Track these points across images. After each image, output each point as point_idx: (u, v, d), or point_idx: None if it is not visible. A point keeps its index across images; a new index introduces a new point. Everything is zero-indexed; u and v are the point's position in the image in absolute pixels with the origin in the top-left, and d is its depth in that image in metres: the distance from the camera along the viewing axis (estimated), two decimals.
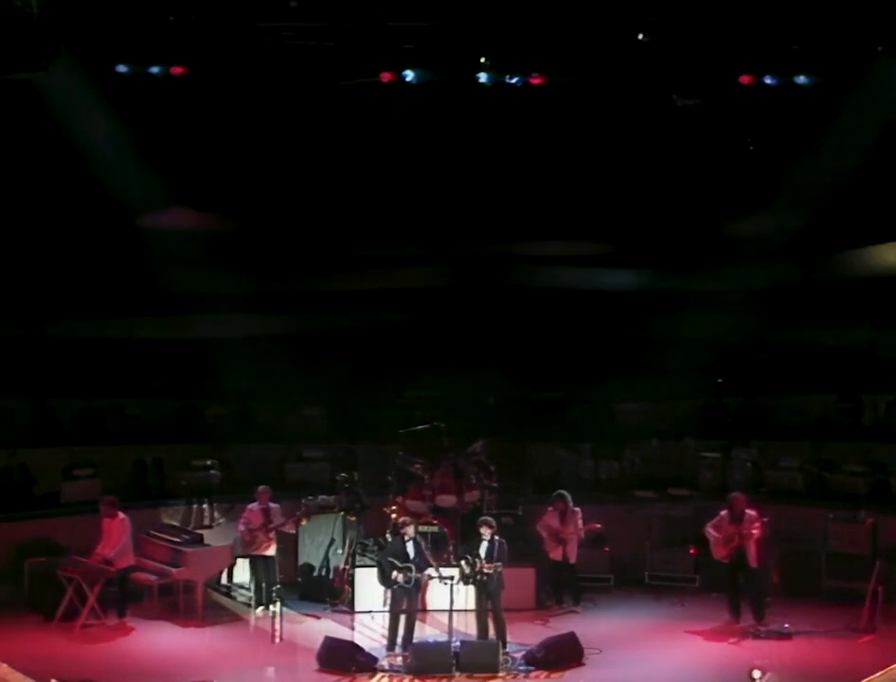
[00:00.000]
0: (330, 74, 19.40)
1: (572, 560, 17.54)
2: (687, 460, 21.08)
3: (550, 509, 17.66)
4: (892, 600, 16.43)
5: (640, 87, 19.73)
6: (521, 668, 14.84)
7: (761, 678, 12.84)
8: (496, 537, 15.62)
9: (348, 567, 17.69)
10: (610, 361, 22.21)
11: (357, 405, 22.26)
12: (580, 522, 17.48)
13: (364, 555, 17.86)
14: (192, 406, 22.39)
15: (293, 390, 22.25)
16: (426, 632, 16.27)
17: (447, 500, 18.19)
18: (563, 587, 17.73)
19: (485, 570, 15.35)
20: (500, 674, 14.66)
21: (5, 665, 13.33)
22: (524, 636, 15.77)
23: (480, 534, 15.62)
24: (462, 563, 15.50)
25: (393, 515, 17.62)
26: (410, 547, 15.58)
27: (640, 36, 18.33)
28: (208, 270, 22.23)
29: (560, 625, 16.21)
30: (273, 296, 23.21)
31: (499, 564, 15.42)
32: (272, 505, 17.70)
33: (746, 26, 18.20)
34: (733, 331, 22.11)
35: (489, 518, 15.99)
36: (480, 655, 14.78)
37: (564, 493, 17.69)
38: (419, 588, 15.85)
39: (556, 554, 17.54)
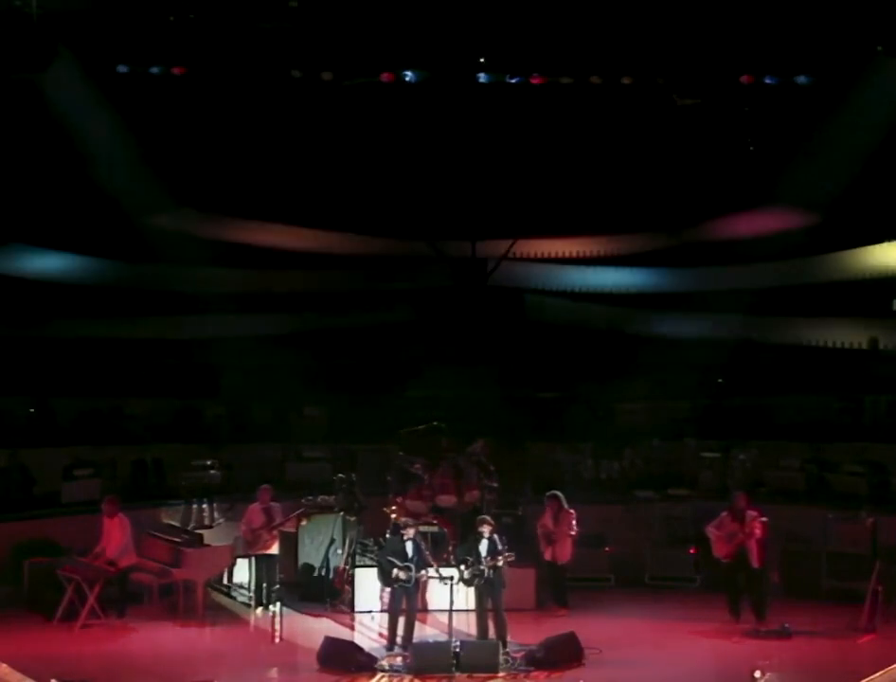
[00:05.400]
0: (329, 74, 19.45)
1: (559, 561, 17.31)
2: (687, 460, 21.08)
3: (547, 509, 17.59)
4: (892, 600, 16.39)
5: (640, 87, 19.76)
6: (521, 668, 14.81)
7: (761, 678, 12.86)
8: (494, 535, 15.60)
9: (348, 567, 17.68)
10: (610, 361, 22.22)
11: (357, 405, 22.26)
12: (572, 523, 17.35)
13: (364, 555, 17.85)
14: (192, 406, 22.40)
15: (293, 390, 22.26)
16: (426, 632, 16.24)
17: (447, 500, 18.17)
18: (551, 588, 17.63)
19: (498, 563, 15.31)
20: (500, 674, 14.64)
21: (5, 665, 13.34)
22: (524, 636, 15.73)
23: (480, 533, 15.56)
24: (462, 566, 15.44)
25: (393, 515, 17.61)
26: (409, 547, 15.56)
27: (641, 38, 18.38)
28: (207, 270, 22.31)
29: (560, 625, 16.17)
30: (273, 296, 23.26)
31: (511, 554, 15.38)
32: (273, 504, 17.67)
33: (746, 26, 18.23)
34: (733, 331, 22.14)
35: (487, 516, 15.95)
36: (480, 655, 14.74)
37: (557, 493, 17.51)
38: (418, 588, 15.84)
39: (547, 555, 17.38)
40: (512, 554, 15.44)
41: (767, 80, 19.37)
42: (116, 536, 16.71)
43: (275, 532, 17.57)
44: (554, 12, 18.11)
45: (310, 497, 18.58)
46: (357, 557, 17.69)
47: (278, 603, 16.90)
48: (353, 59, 19.22)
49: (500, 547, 15.41)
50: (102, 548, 16.72)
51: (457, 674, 14.46)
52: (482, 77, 19.48)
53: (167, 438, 21.38)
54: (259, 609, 17.36)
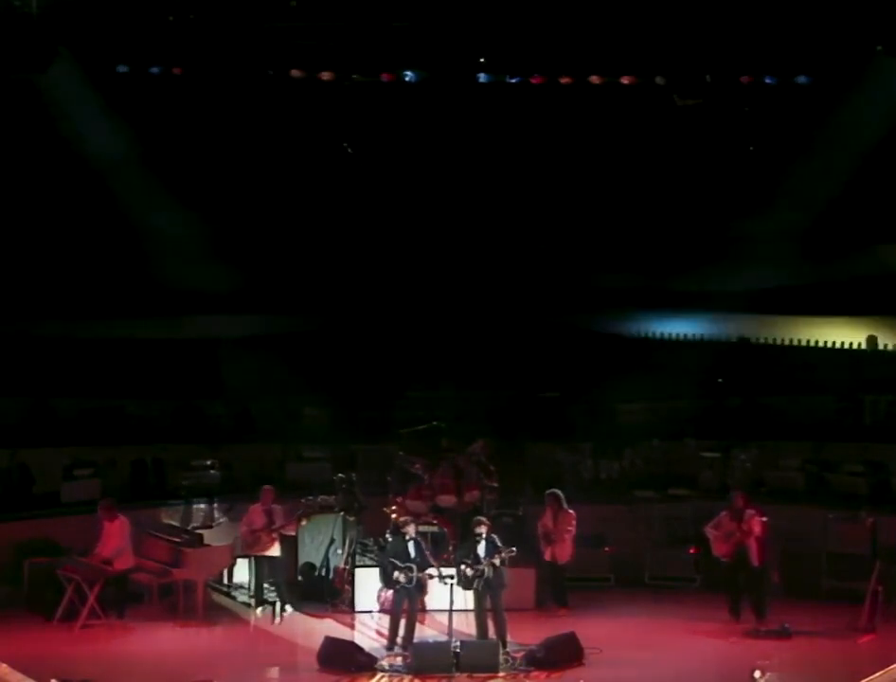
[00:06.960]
0: (329, 74, 19.45)
1: (559, 561, 17.30)
2: (687, 460, 21.07)
3: (547, 509, 17.58)
4: (892, 600, 16.40)
5: (640, 87, 19.77)
6: (521, 668, 14.80)
7: (761, 678, 12.87)
8: (492, 534, 15.60)
9: (348, 567, 17.68)
10: (610, 361, 22.21)
11: (357, 405, 22.25)
12: (572, 522, 17.31)
13: (364, 555, 17.86)
14: (192, 406, 22.39)
15: (293, 390, 22.25)
16: (426, 632, 16.24)
17: (447, 500, 18.18)
18: (551, 588, 17.61)
19: (499, 559, 15.30)
20: (500, 674, 14.64)
21: (5, 665, 13.31)
22: (524, 636, 15.73)
23: (477, 535, 15.54)
24: (462, 567, 15.41)
25: (393, 515, 17.61)
26: (411, 547, 15.57)
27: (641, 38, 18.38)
28: (207, 269, 22.30)
29: (560, 625, 16.17)
30: (273, 296, 23.26)
31: (512, 549, 15.37)
32: (275, 506, 17.61)
33: (746, 26, 18.23)
34: (733, 331, 22.16)
35: (482, 517, 15.94)
36: (480, 655, 14.75)
37: (556, 492, 17.51)
38: (420, 588, 15.83)
39: (546, 555, 17.37)
40: (514, 550, 15.44)
41: (767, 80, 19.38)
42: (114, 538, 16.69)
43: (274, 535, 17.50)
44: (554, 12, 18.10)
45: (310, 497, 18.58)
46: (357, 557, 17.69)
47: (278, 604, 16.95)
48: (353, 59, 19.23)
49: (499, 544, 15.42)
50: (101, 549, 16.72)
51: (457, 674, 14.46)
52: (482, 77, 19.48)
53: (167, 438, 21.37)
54: (260, 609, 17.36)
